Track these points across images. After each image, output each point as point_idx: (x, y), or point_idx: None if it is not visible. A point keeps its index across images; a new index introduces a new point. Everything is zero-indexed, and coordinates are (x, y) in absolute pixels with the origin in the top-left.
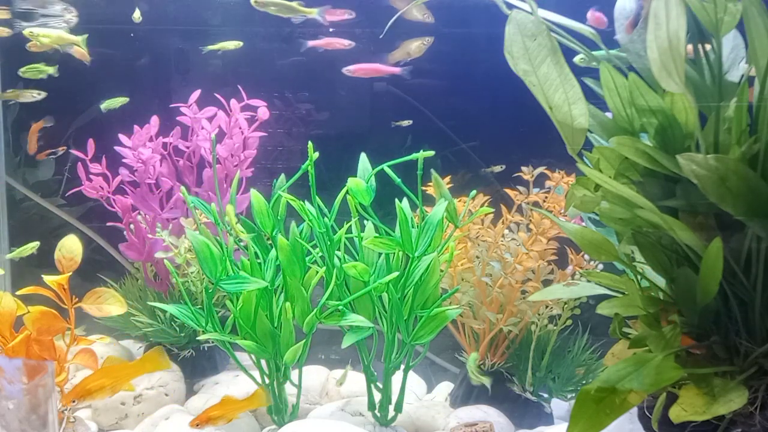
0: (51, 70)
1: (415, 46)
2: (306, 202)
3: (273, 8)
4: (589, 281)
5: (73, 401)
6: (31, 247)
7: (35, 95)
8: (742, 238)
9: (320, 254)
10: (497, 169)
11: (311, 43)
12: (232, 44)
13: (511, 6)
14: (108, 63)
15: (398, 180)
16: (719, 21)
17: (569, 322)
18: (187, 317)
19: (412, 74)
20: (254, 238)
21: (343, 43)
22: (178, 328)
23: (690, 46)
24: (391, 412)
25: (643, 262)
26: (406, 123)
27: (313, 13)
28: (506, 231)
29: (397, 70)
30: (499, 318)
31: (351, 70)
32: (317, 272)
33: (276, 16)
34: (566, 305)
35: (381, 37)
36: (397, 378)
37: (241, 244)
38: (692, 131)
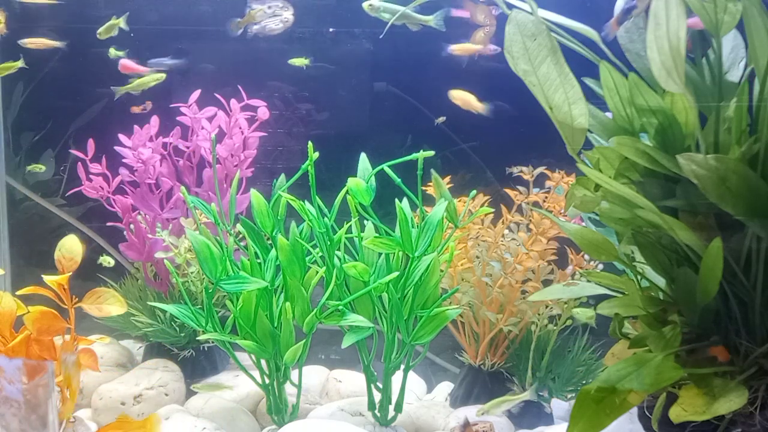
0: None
1: (479, 37)
2: (306, 202)
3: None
4: (589, 281)
5: None
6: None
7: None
8: (742, 238)
9: (320, 254)
10: (515, 170)
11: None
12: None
13: (511, 6)
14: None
15: (398, 180)
16: (719, 21)
17: (569, 322)
18: (187, 317)
19: (414, 73)
20: (254, 238)
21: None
22: (178, 328)
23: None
24: (391, 412)
25: (643, 262)
26: (441, 120)
27: (430, 21)
28: (506, 231)
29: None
30: (499, 318)
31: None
32: (317, 272)
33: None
34: (566, 305)
35: (381, 37)
36: (397, 378)
37: (242, 244)
38: (692, 131)
